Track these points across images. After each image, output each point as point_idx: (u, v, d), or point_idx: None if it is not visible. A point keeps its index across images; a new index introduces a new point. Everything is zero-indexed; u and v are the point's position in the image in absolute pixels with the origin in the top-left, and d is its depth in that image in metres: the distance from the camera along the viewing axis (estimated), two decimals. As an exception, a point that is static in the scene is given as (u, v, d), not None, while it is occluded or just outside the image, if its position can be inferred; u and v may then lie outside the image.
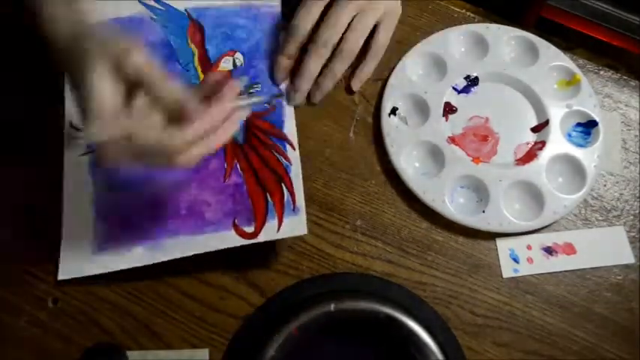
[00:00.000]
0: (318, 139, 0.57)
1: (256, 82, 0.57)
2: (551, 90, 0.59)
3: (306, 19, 0.55)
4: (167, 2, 0.60)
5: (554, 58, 0.59)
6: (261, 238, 0.50)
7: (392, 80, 0.58)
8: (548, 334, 0.51)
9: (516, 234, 0.54)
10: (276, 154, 0.54)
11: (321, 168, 0.56)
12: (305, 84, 0.56)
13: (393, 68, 0.59)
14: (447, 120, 0.57)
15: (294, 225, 0.51)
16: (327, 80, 0.57)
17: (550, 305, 0.52)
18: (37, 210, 0.53)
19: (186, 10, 0.60)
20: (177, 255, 0.50)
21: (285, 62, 0.56)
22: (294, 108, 0.56)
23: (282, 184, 0.53)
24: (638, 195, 0.56)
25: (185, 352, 0.49)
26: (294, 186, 0.53)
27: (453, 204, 0.54)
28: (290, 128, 0.55)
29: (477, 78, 0.59)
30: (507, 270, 0.53)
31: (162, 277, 0.51)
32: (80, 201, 0.52)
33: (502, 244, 0.54)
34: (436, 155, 0.56)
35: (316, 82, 0.57)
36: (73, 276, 0.50)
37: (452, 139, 0.56)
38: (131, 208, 0.52)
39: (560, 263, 0.53)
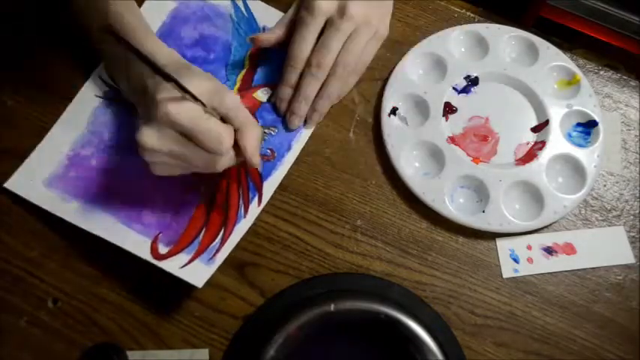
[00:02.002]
0: (318, 139, 0.57)
1: (274, 125, 0.57)
2: (551, 90, 0.59)
3: (302, 47, 0.55)
4: (252, 10, 0.61)
5: (554, 58, 0.59)
6: (163, 265, 0.49)
7: (392, 80, 0.58)
8: (548, 334, 0.51)
9: (516, 234, 0.54)
10: (240, 200, 0.53)
11: (321, 168, 0.56)
12: (303, 108, 0.56)
13: (393, 68, 0.59)
14: (447, 120, 0.58)
15: (198, 272, 0.49)
16: (323, 102, 0.56)
17: (550, 305, 0.52)
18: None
19: (264, 27, 0.60)
20: (97, 233, 0.50)
21: (287, 92, 0.56)
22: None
23: (222, 229, 0.52)
24: (638, 195, 0.56)
25: (185, 352, 0.50)
26: (229, 239, 0.51)
27: (453, 204, 0.54)
28: (271, 183, 0.54)
29: (477, 78, 0.59)
30: (507, 270, 0.53)
31: (163, 277, 0.51)
32: (68, 131, 0.54)
33: (502, 244, 0.54)
34: (436, 155, 0.56)
35: (313, 105, 0.56)
36: (17, 192, 0.52)
37: (452, 139, 0.56)
38: (98, 164, 0.54)
39: (560, 263, 0.53)
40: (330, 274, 0.52)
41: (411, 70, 0.59)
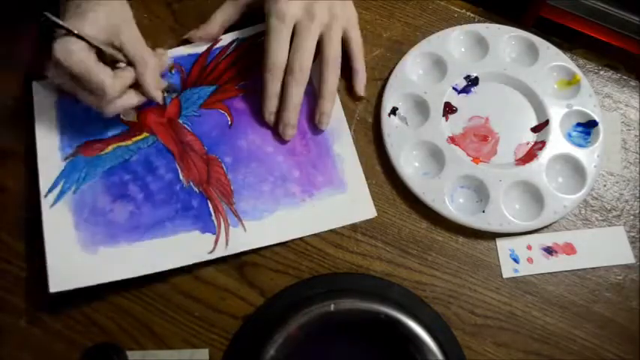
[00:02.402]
0: (318, 139, 0.57)
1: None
2: (551, 90, 0.59)
3: (278, 54, 0.54)
4: None
5: (554, 58, 0.59)
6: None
7: (392, 80, 0.58)
8: (548, 334, 0.51)
9: (516, 234, 0.54)
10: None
11: (321, 168, 0.56)
12: (293, 115, 0.55)
13: (393, 68, 0.59)
14: (447, 120, 0.58)
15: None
16: (327, 101, 0.56)
17: (550, 305, 0.52)
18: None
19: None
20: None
21: (274, 103, 0.55)
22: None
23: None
24: (638, 195, 0.56)
25: (185, 352, 0.50)
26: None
27: (453, 204, 0.54)
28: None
29: (477, 78, 0.59)
30: (507, 270, 0.53)
31: (163, 277, 0.51)
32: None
33: (502, 244, 0.54)
34: (436, 155, 0.56)
35: (318, 107, 0.56)
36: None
37: (452, 139, 0.56)
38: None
39: (560, 263, 0.53)
40: (330, 274, 0.52)
41: (411, 70, 0.59)
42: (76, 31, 0.47)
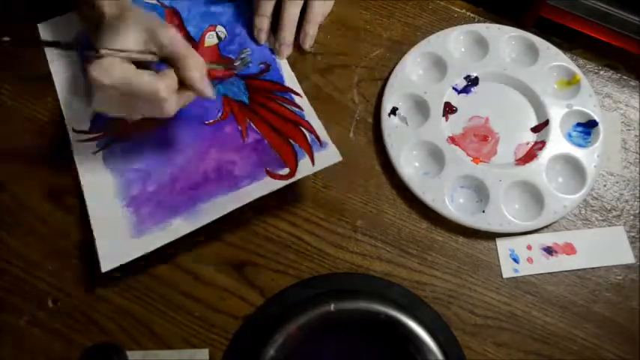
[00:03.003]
0: (318, 139, 0.57)
1: (244, 47, 0.60)
2: (551, 90, 0.59)
3: None
4: None
5: (554, 58, 0.59)
6: (299, 174, 0.52)
7: (392, 80, 0.58)
8: (548, 334, 0.51)
9: (516, 234, 0.54)
10: (284, 104, 0.56)
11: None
12: (289, 35, 0.58)
13: (393, 68, 0.59)
14: (447, 120, 0.58)
15: (327, 156, 0.53)
16: (311, 24, 0.59)
17: (550, 305, 0.52)
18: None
19: (158, 0, 0.61)
20: (218, 214, 0.50)
21: (264, 22, 0.59)
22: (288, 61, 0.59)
23: (301, 127, 0.54)
24: (638, 195, 0.56)
25: (185, 352, 0.50)
26: (313, 125, 0.55)
27: (453, 204, 0.54)
28: (290, 80, 0.58)
29: (477, 78, 0.59)
30: (507, 270, 0.53)
31: (163, 277, 0.51)
32: (103, 195, 0.52)
33: (502, 244, 0.54)
34: (436, 155, 0.56)
35: (302, 29, 0.59)
36: (116, 264, 0.48)
37: (452, 139, 0.56)
38: (157, 187, 0.53)
39: (560, 263, 0.53)
40: (330, 274, 0.52)
41: (411, 70, 0.59)
42: (104, 51, 0.45)
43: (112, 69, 0.44)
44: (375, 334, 0.49)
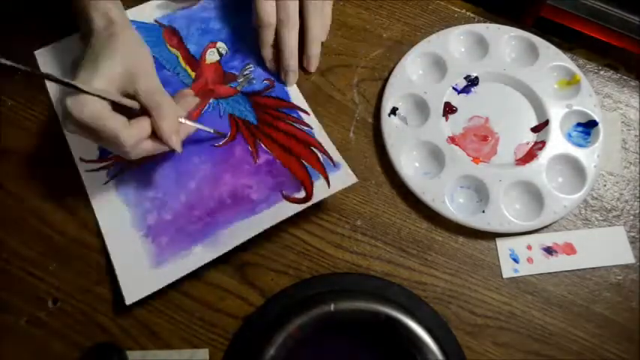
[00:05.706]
0: (318, 139, 0.57)
1: (247, 62, 0.59)
2: (551, 90, 0.59)
3: (266, 7, 0.56)
4: (135, 20, 0.60)
5: (554, 58, 0.59)
6: (315, 198, 0.52)
7: (392, 80, 0.58)
8: (549, 334, 0.51)
9: (516, 234, 0.54)
10: (293, 124, 0.56)
11: (321, 168, 0.56)
12: (292, 61, 0.58)
13: (393, 68, 0.59)
14: (447, 120, 0.57)
15: (342, 177, 0.53)
16: (314, 45, 0.59)
17: (550, 305, 0.52)
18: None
19: (155, 20, 0.61)
20: (238, 241, 0.50)
21: (270, 51, 0.58)
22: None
23: (312, 148, 0.54)
24: (638, 195, 0.56)
25: (185, 352, 0.50)
26: (324, 146, 0.55)
27: (453, 204, 0.54)
28: (296, 97, 0.58)
29: (477, 78, 0.59)
30: (507, 270, 0.53)
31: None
32: (119, 226, 0.52)
33: (502, 244, 0.54)
34: (436, 155, 0.56)
35: (305, 52, 0.59)
36: (140, 297, 0.49)
37: (452, 139, 0.56)
38: (174, 216, 0.52)
39: (560, 263, 0.53)
40: (330, 274, 0.52)
41: (411, 70, 0.59)
42: (85, 89, 0.44)
43: (86, 105, 0.44)
44: (375, 334, 0.49)
